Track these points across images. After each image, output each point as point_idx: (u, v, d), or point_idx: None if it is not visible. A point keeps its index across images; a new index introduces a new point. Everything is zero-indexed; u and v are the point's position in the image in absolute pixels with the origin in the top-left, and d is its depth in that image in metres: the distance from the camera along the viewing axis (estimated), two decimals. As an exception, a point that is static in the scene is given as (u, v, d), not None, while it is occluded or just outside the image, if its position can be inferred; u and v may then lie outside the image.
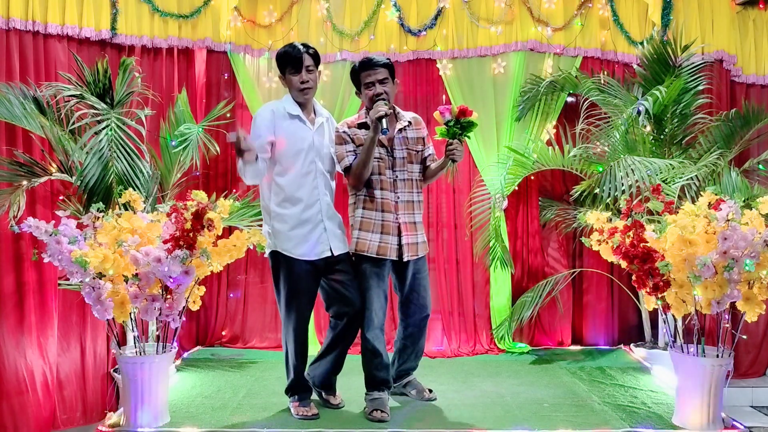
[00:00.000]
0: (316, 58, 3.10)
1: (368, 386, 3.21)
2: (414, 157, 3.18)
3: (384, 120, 2.93)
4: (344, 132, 3.12)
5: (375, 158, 3.06)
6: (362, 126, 3.12)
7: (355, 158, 3.06)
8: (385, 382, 3.20)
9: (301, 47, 3.05)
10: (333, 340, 3.25)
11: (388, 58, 3.14)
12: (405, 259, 3.12)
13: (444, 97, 4.75)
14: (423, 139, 3.23)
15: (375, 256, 3.09)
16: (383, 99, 3.02)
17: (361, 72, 3.10)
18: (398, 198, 3.12)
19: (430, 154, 3.23)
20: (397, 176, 3.13)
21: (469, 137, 3.09)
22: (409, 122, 3.20)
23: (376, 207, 3.11)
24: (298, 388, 3.20)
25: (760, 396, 4.47)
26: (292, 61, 3.04)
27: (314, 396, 3.33)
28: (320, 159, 3.10)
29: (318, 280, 3.15)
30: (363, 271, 3.15)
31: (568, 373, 3.97)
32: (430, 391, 3.38)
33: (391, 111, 3.06)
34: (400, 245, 3.11)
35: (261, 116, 3.10)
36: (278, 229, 3.07)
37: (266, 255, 3.18)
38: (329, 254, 3.10)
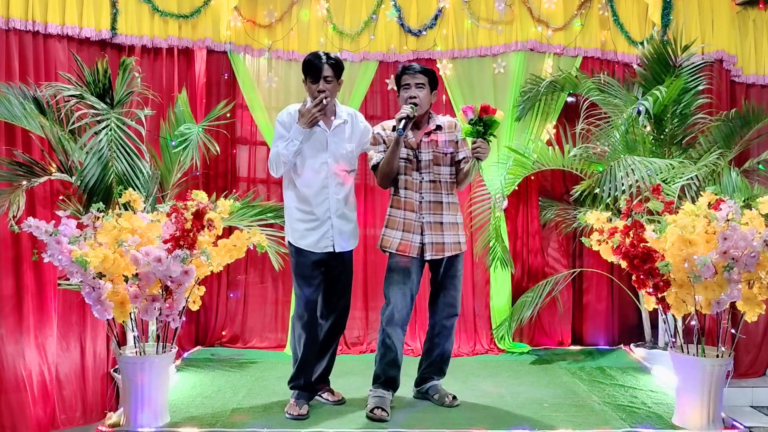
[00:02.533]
0: (337, 68, 3.15)
1: (375, 381, 3.23)
2: (442, 160, 3.21)
3: (403, 121, 3.01)
4: (378, 133, 3.24)
5: (402, 159, 3.15)
6: (395, 129, 3.17)
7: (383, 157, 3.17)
8: (392, 380, 3.22)
9: (323, 58, 3.12)
10: (322, 341, 3.32)
11: (429, 69, 3.23)
12: (427, 258, 3.17)
13: (444, 97, 4.75)
14: (456, 142, 3.26)
15: (396, 252, 3.16)
16: (414, 103, 3.10)
17: (402, 74, 3.20)
18: (422, 198, 3.18)
19: (463, 157, 3.25)
20: (423, 178, 3.19)
21: (494, 135, 3.10)
22: (439, 126, 3.25)
23: (400, 206, 3.20)
24: (297, 380, 3.24)
25: (760, 396, 4.47)
26: (313, 71, 3.12)
27: (315, 396, 3.36)
28: (334, 159, 3.18)
29: (323, 270, 3.25)
30: (390, 267, 3.24)
31: (568, 373, 3.97)
32: (454, 397, 3.35)
33: (415, 115, 3.09)
34: (422, 243, 3.16)
35: (281, 119, 3.22)
36: (288, 222, 3.25)
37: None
38: (331, 250, 3.20)
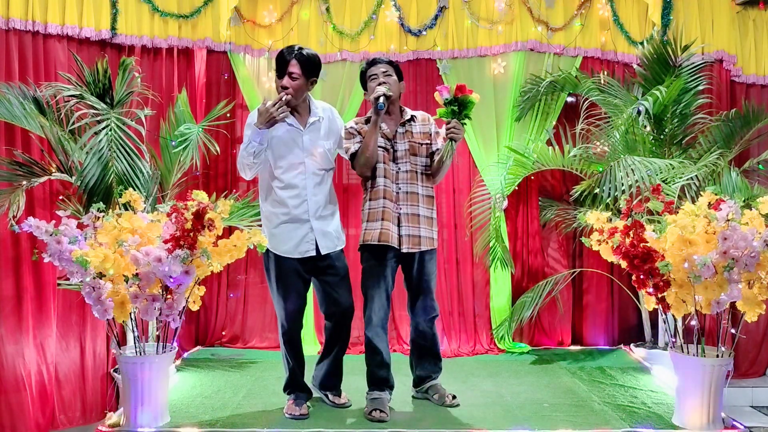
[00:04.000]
0: (306, 65, 3.00)
1: (369, 384, 3.23)
2: (418, 150, 3.21)
3: (381, 98, 2.99)
4: (351, 127, 3.21)
5: (379, 147, 3.13)
6: (368, 121, 3.17)
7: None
8: (385, 380, 3.21)
9: (293, 53, 2.99)
10: (328, 341, 3.31)
11: (395, 62, 3.26)
12: (404, 250, 3.14)
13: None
14: (429, 134, 3.26)
15: (377, 243, 3.11)
16: (385, 84, 3.10)
17: (367, 69, 3.20)
18: (399, 189, 3.17)
19: (437, 149, 3.24)
20: (399, 168, 3.18)
21: (469, 117, 3.07)
22: (414, 116, 3.25)
23: (379, 195, 3.15)
24: (292, 386, 3.24)
25: (760, 396, 4.47)
26: (278, 65, 3.04)
27: (321, 397, 3.35)
28: (311, 158, 3.10)
29: (306, 278, 3.17)
30: (365, 269, 3.21)
31: (568, 373, 3.97)
32: (454, 397, 3.34)
33: (391, 94, 3.09)
34: (399, 235, 3.14)
35: (252, 115, 3.09)
36: (266, 227, 3.15)
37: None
38: (314, 254, 3.11)
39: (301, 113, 3.14)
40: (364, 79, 3.22)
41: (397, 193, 3.16)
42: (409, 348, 3.45)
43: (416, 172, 3.20)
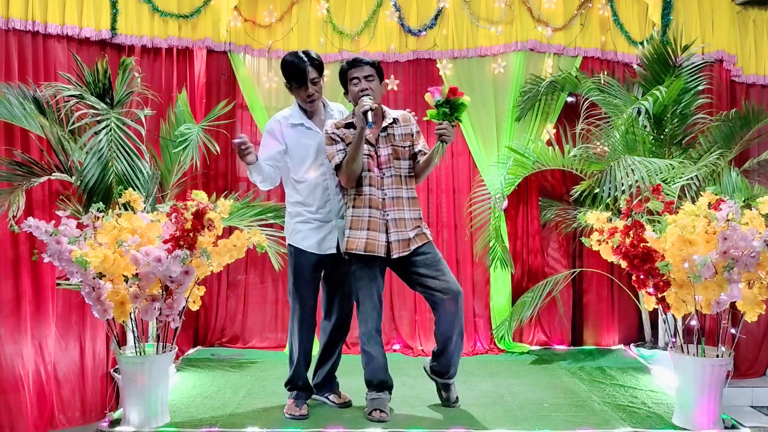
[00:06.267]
0: (320, 67, 3.11)
1: (368, 386, 3.22)
2: (401, 154, 3.17)
3: (369, 113, 2.93)
4: (333, 133, 3.13)
5: (363, 154, 3.07)
6: (350, 126, 3.12)
7: (345, 156, 3.07)
8: (383, 382, 3.19)
9: (305, 60, 3.04)
10: (330, 343, 3.31)
11: (375, 61, 3.18)
12: (394, 256, 3.10)
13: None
14: (411, 135, 3.22)
15: (363, 253, 3.07)
16: (368, 94, 3.02)
17: (348, 70, 3.12)
18: (385, 195, 3.12)
19: (420, 150, 3.21)
20: (384, 173, 3.13)
21: (460, 120, 3.05)
22: (395, 119, 3.20)
23: (363, 204, 3.10)
24: (294, 384, 3.24)
25: (760, 396, 4.46)
26: (296, 77, 3.07)
27: (322, 401, 3.35)
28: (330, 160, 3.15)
29: (322, 274, 3.23)
30: (354, 273, 3.16)
31: (568, 373, 3.97)
32: (457, 399, 3.33)
33: (377, 105, 3.05)
34: (388, 242, 3.10)
35: (268, 128, 3.20)
36: (289, 223, 3.22)
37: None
38: (335, 251, 3.16)
39: (317, 114, 3.20)
40: (345, 78, 3.15)
41: (383, 199, 3.11)
42: (435, 337, 3.22)
43: (400, 176, 3.16)
